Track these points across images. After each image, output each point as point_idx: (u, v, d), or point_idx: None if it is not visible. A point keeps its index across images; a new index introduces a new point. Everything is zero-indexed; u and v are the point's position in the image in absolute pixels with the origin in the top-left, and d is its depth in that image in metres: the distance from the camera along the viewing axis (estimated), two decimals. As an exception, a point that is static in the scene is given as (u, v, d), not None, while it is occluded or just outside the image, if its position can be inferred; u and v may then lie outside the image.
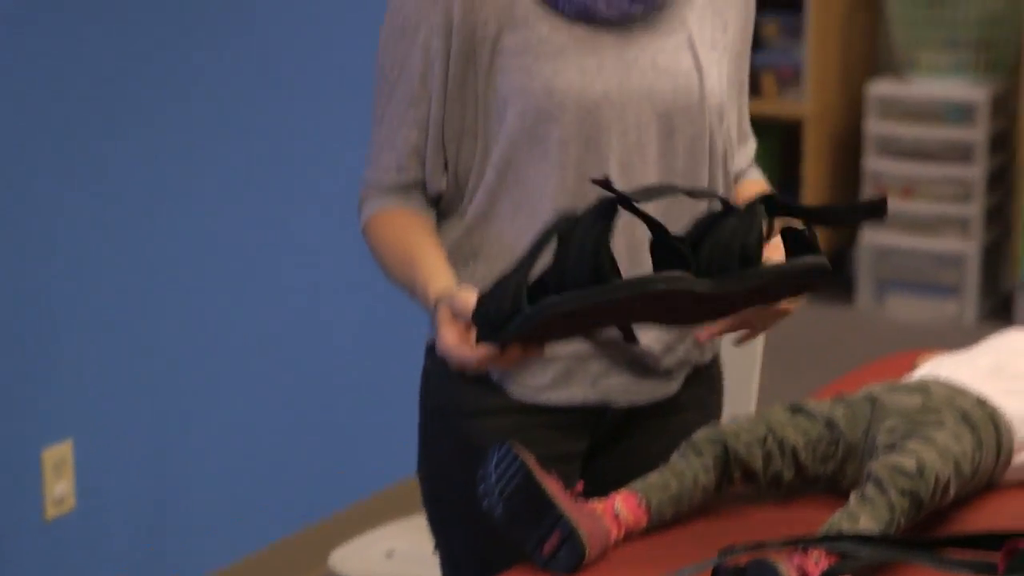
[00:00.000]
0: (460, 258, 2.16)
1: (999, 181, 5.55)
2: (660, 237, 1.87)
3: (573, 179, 2.09)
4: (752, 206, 1.85)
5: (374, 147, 2.17)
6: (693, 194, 1.87)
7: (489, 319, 1.86)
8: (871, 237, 5.51)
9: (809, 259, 1.85)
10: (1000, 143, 5.51)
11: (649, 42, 2.12)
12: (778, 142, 5.83)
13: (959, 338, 5.17)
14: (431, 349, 2.24)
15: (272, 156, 3.52)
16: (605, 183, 1.83)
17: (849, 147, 5.75)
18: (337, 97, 3.67)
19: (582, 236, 1.83)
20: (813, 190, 5.58)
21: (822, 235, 5.61)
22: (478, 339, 1.90)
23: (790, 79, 5.58)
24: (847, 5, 5.63)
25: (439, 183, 2.17)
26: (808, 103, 5.52)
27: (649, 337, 2.17)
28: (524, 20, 2.07)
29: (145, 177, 3.25)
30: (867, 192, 5.52)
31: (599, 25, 2.10)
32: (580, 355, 2.15)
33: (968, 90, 5.37)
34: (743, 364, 2.64)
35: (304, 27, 3.55)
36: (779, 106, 5.58)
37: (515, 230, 2.13)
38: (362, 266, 3.75)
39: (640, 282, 1.79)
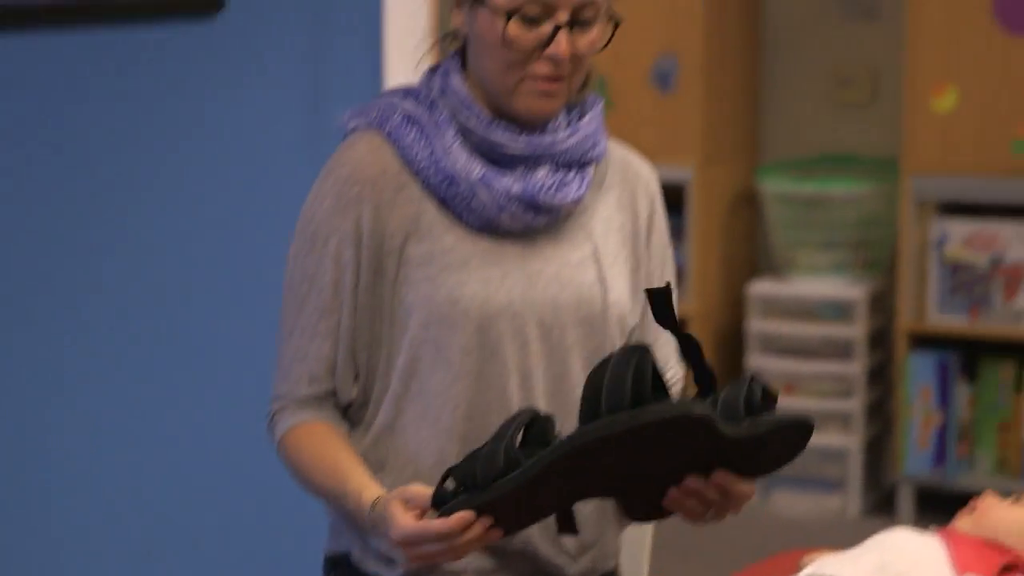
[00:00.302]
0: (368, 469, 2.13)
1: (879, 377, 5.60)
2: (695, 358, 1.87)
3: (474, 389, 2.11)
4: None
5: (284, 360, 2.16)
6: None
7: (474, 481, 1.84)
8: (755, 433, 5.53)
9: (798, 415, 1.88)
10: (879, 340, 5.58)
11: (553, 254, 2.16)
12: (663, 340, 5.86)
13: (843, 532, 5.18)
14: (333, 563, 2.21)
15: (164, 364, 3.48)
16: (660, 294, 1.83)
17: (732, 345, 5.80)
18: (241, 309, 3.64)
19: (618, 368, 1.82)
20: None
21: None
22: (449, 510, 1.86)
23: (673, 279, 5.62)
24: (727, 208, 5.72)
25: (350, 393, 2.17)
26: (692, 302, 5.57)
27: (556, 547, 2.15)
28: (429, 231, 2.12)
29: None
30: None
31: (503, 237, 2.13)
32: (483, 570, 2.13)
33: (846, 289, 5.45)
34: (630, 562, 2.64)
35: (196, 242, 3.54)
36: (663, 305, 5.60)
37: (419, 440, 2.13)
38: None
39: (671, 407, 1.79)
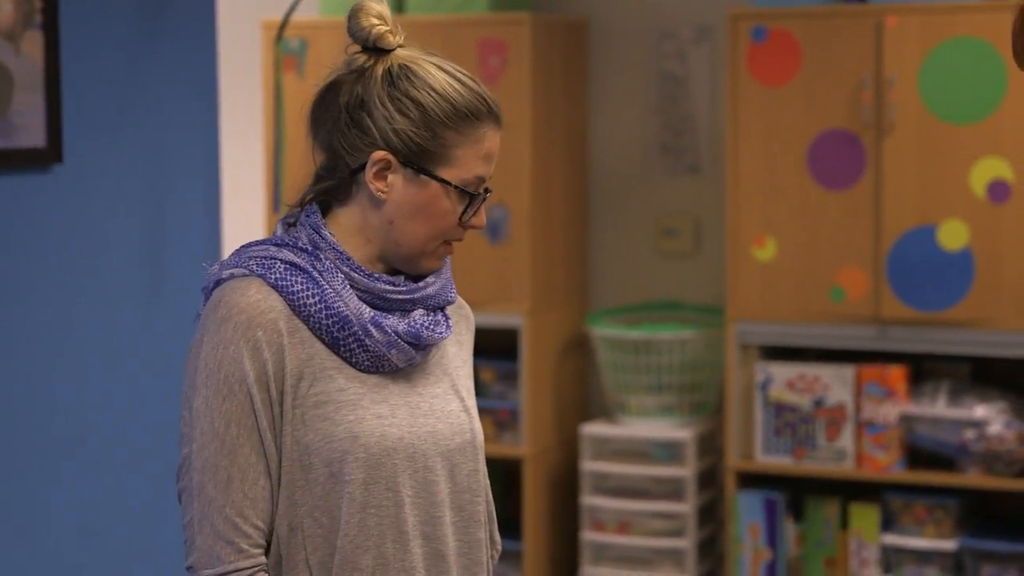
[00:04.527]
0: None
1: (709, 515, 5.47)
2: None
3: (377, 520, 2.11)
4: None
5: (227, 509, 2.06)
6: None
7: None
8: (591, 571, 5.34)
9: None
10: (708, 479, 5.46)
11: (424, 389, 2.19)
12: (498, 482, 5.70)
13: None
14: None
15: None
16: None
17: (567, 485, 5.64)
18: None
19: None
20: (533, 527, 5.42)
21: (537, 572, 5.43)
22: None
23: (508, 422, 5.46)
24: (559, 353, 5.58)
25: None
26: (526, 444, 5.39)
27: None
28: (322, 372, 2.11)
29: None
30: (586, 528, 5.36)
31: (385, 375, 2.16)
32: None
33: (675, 430, 5.32)
34: None
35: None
36: (498, 448, 5.44)
37: (323, 572, 2.10)
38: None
39: None
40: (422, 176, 2.14)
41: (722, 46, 5.55)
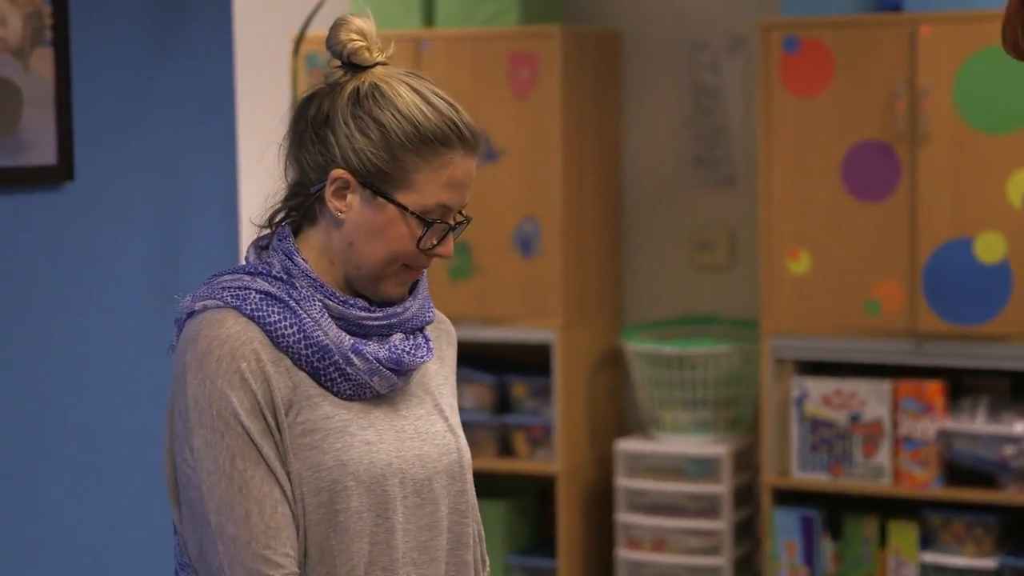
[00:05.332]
0: None
1: (745, 532, 5.38)
2: None
3: (369, 548, 2.07)
4: None
5: (253, 544, 2.01)
6: None
7: None
8: (625, 590, 5.26)
9: None
10: (744, 496, 5.37)
11: (408, 411, 2.15)
12: (532, 499, 5.63)
13: None
14: None
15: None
16: None
17: (601, 502, 5.57)
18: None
19: None
20: (568, 545, 5.34)
21: (578, 589, 5.34)
22: None
23: (541, 438, 5.38)
24: (593, 368, 5.51)
25: None
26: (560, 461, 5.31)
27: None
28: (308, 401, 2.07)
29: None
30: (621, 545, 5.27)
31: (368, 400, 2.11)
32: None
33: (711, 446, 5.23)
34: None
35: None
36: (532, 464, 5.36)
37: None
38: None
39: None
40: (379, 198, 2.08)
41: (755, 56, 5.47)
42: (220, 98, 3.72)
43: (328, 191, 2.09)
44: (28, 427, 3.26)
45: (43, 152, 3.21)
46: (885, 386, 4.95)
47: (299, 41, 4.62)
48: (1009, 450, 4.80)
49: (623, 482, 5.28)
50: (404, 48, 5.34)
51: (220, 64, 3.71)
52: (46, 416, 3.30)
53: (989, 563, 4.86)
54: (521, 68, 5.28)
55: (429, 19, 5.44)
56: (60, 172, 3.26)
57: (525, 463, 5.39)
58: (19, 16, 3.16)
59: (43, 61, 3.21)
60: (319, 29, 5.71)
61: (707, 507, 5.23)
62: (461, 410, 5.47)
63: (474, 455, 5.44)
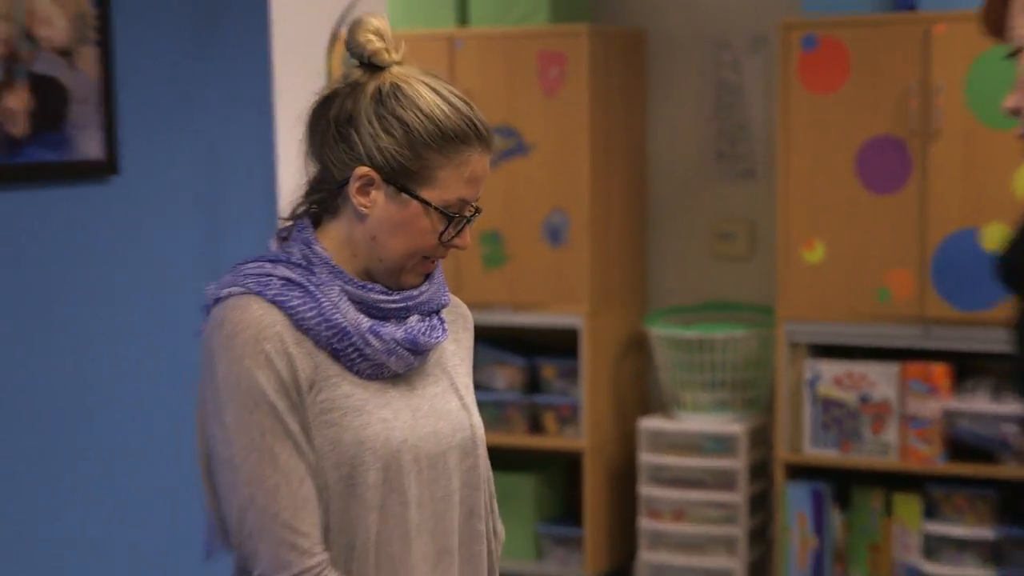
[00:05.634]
0: None
1: (760, 504, 5.54)
2: None
3: (385, 519, 2.11)
4: None
5: (282, 515, 2.05)
6: None
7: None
8: (648, 556, 5.45)
9: None
10: (759, 471, 5.52)
11: (424, 390, 2.19)
12: (561, 473, 5.80)
13: (727, 653, 5.07)
14: None
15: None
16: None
17: (625, 476, 5.73)
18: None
19: None
20: (594, 515, 5.53)
21: (597, 556, 5.53)
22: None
23: (569, 417, 5.56)
24: (618, 351, 5.67)
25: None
26: (586, 438, 5.50)
27: None
28: (328, 381, 2.10)
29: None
30: (643, 516, 5.46)
31: (386, 380, 2.14)
32: None
33: (728, 424, 5.39)
34: None
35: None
36: (560, 441, 5.55)
37: (341, 567, 2.11)
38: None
39: None
40: (403, 195, 2.10)
41: (775, 55, 5.52)
42: (259, 92, 3.72)
43: (352, 187, 2.11)
44: (74, 420, 3.28)
45: (89, 147, 3.26)
46: (894, 369, 5.07)
47: (334, 38, 4.75)
48: (1009, 428, 4.95)
49: (646, 457, 5.45)
50: (438, 46, 5.42)
51: (258, 60, 3.72)
52: (96, 408, 3.31)
53: (988, 533, 4.99)
54: (551, 66, 5.37)
55: (463, 18, 5.53)
56: (106, 166, 3.31)
57: (554, 440, 5.55)
58: (65, 17, 3.20)
59: (88, 60, 3.26)
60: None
61: (724, 481, 5.39)
62: (494, 390, 5.57)
63: (506, 433, 5.56)
